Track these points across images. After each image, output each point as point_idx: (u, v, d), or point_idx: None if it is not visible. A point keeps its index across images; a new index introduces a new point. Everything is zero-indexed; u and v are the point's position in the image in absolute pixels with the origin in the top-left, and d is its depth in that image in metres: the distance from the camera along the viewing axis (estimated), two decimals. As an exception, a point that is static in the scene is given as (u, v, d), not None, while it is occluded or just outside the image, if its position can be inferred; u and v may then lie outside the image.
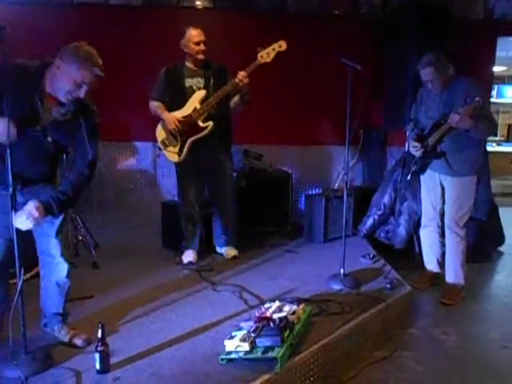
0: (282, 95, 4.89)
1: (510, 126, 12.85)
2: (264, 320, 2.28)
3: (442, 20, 4.46)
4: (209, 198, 3.81)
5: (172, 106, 3.49)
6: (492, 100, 7.34)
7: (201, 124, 3.42)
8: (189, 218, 3.70)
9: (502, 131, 12.49)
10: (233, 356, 2.14)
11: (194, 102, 3.42)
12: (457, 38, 4.48)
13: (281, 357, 2.06)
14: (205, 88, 3.46)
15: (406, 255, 4.05)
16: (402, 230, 4.16)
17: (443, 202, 3.39)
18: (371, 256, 3.71)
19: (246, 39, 4.48)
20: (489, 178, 4.42)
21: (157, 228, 4.25)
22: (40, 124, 2.04)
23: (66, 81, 1.99)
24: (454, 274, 3.40)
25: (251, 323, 2.31)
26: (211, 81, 3.48)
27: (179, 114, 3.44)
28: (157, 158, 4.93)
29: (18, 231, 2.00)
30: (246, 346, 2.13)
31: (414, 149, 3.31)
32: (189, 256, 3.66)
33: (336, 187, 5.07)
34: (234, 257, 3.75)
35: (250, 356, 2.12)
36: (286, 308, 2.46)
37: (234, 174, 3.95)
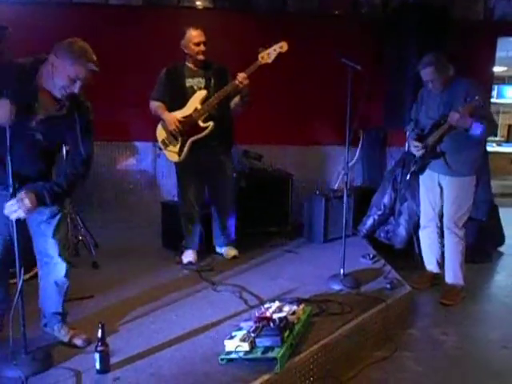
0: (282, 95, 4.89)
1: (510, 126, 12.84)
2: (264, 320, 2.29)
3: (442, 20, 4.46)
4: (209, 198, 3.81)
5: (172, 106, 3.49)
6: (492, 100, 7.33)
7: (201, 124, 3.42)
8: (189, 218, 3.70)
9: (502, 132, 12.49)
10: (233, 356, 2.15)
11: (194, 102, 3.42)
12: (457, 39, 4.48)
13: (281, 357, 2.07)
14: (205, 88, 3.46)
15: (406, 255, 4.05)
16: (401, 230, 4.16)
17: (442, 203, 3.39)
18: (371, 256, 3.71)
19: (246, 39, 4.49)
20: (489, 179, 4.43)
21: (157, 228, 4.25)
22: (36, 120, 2.05)
23: (60, 76, 2.00)
24: (453, 275, 3.40)
25: (251, 323, 2.31)
26: (212, 81, 3.48)
27: (180, 113, 3.44)
28: (157, 158, 4.93)
29: (18, 230, 2.00)
30: (245, 346, 2.13)
31: (416, 148, 3.31)
32: (189, 256, 3.66)
33: (336, 187, 5.07)
34: (234, 257, 3.75)
35: (250, 356, 2.12)
36: (286, 308, 2.46)
37: (234, 175, 3.95)
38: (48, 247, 2.26)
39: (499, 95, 11.30)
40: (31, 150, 2.10)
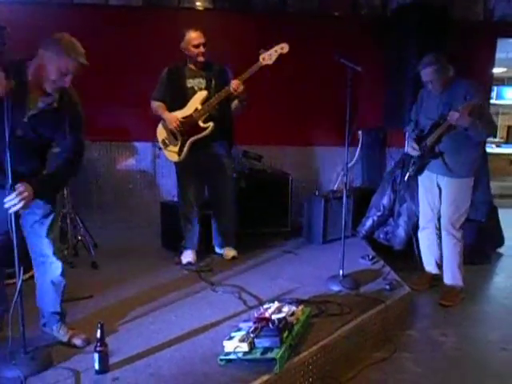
0: (281, 96, 4.89)
1: (509, 127, 12.83)
2: (263, 321, 2.28)
3: (441, 21, 4.46)
4: (208, 198, 3.82)
5: (173, 106, 3.50)
6: (491, 101, 7.32)
7: (201, 124, 3.43)
8: (188, 218, 3.70)
9: (501, 133, 12.48)
10: (232, 357, 2.15)
11: (195, 103, 3.43)
12: (457, 40, 4.48)
13: (280, 358, 2.07)
14: (206, 89, 3.46)
15: (405, 256, 4.04)
16: (401, 231, 4.16)
17: (440, 203, 3.39)
18: (370, 257, 3.71)
19: (246, 40, 4.49)
20: (488, 180, 4.43)
21: (156, 228, 4.25)
22: (27, 114, 2.06)
23: (50, 70, 2.01)
24: (451, 276, 3.40)
25: (250, 324, 2.31)
26: (213, 82, 3.48)
27: (180, 114, 3.45)
28: (156, 158, 4.93)
29: (18, 230, 2.01)
30: (244, 347, 2.13)
31: (412, 149, 3.33)
32: (188, 256, 3.66)
33: (335, 188, 5.07)
34: (233, 257, 3.75)
35: (249, 357, 2.12)
36: (285, 309, 2.46)
37: (234, 175, 3.95)
38: (43, 247, 2.27)
39: (498, 96, 11.29)
40: (24, 149, 2.10)
